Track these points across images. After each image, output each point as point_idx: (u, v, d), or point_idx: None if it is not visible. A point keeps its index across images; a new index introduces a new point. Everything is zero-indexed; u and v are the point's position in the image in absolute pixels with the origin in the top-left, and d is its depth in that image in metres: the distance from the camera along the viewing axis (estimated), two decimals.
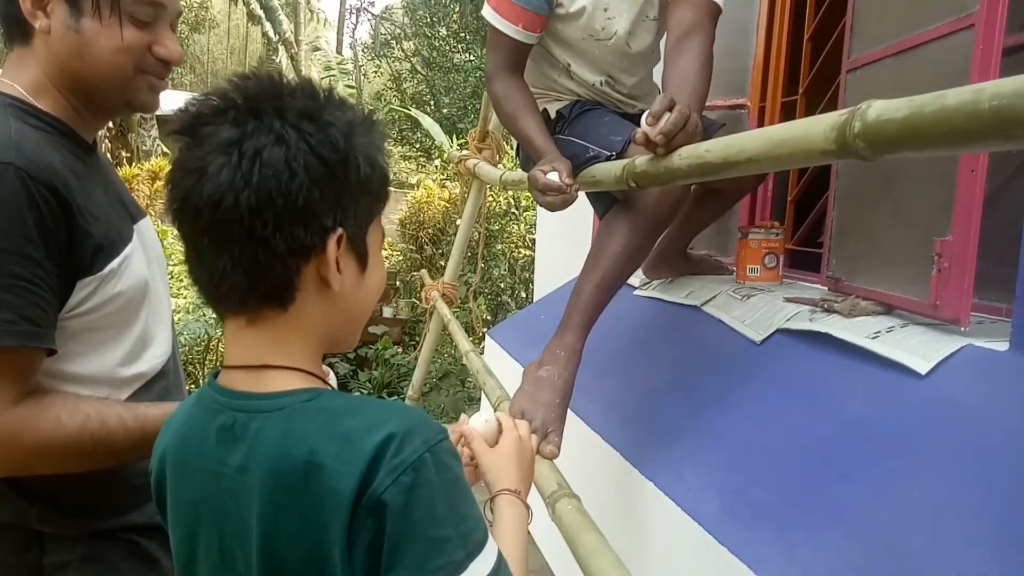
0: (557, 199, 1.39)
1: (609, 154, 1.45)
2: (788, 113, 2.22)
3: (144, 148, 7.80)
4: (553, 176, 1.39)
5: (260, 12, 9.65)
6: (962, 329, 1.28)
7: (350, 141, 0.66)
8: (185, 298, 6.03)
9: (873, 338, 1.32)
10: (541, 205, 1.45)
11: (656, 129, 1.15)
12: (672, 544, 1.40)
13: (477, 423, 0.94)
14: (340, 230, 0.66)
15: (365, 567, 0.60)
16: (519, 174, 2.27)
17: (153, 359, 1.00)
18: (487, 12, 1.59)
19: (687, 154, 1.08)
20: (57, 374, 0.88)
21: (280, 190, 0.61)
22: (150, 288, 0.98)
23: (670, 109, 1.16)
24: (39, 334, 0.82)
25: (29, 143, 0.84)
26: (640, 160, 1.22)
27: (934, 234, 1.32)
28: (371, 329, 5.97)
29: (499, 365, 2.50)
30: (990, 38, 1.23)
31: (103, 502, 0.95)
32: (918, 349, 1.24)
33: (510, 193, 6.77)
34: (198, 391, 0.75)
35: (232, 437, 0.66)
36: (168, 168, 0.68)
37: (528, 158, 1.67)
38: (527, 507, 0.88)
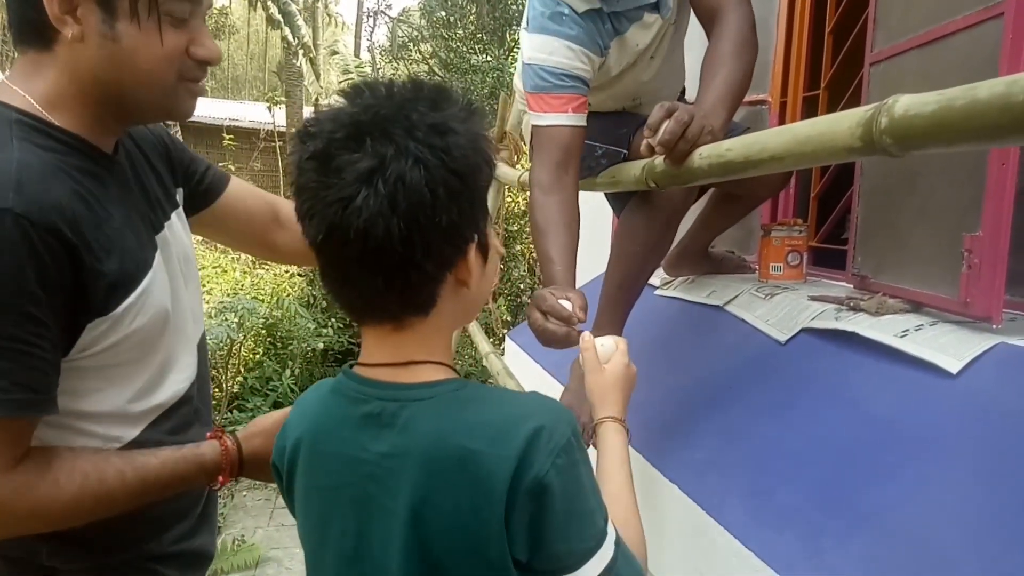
0: (561, 331, 1.14)
1: (619, 151, 1.44)
2: (810, 108, 2.19)
3: None
4: (565, 303, 1.15)
5: (279, 17, 9.72)
6: (994, 327, 1.24)
7: (476, 147, 0.68)
8: (208, 303, 6.09)
9: (902, 337, 1.29)
10: (535, 331, 1.19)
11: (655, 140, 1.13)
12: (698, 548, 1.38)
13: (599, 339, 0.95)
14: (476, 237, 0.71)
15: (524, 544, 0.65)
16: None
17: (175, 385, 0.95)
18: (534, 119, 1.49)
19: (708, 153, 1.07)
20: (67, 411, 0.83)
21: (426, 214, 0.64)
22: (171, 314, 0.93)
23: (668, 117, 1.12)
24: (36, 402, 0.77)
25: (31, 179, 0.76)
26: (659, 160, 1.21)
27: (963, 229, 1.29)
28: None
29: (519, 367, 2.49)
30: (1021, 27, 1.20)
31: (117, 536, 0.91)
32: (948, 348, 1.20)
33: (528, 193, 6.75)
34: (333, 382, 0.77)
35: (379, 424, 0.70)
36: (299, 197, 0.68)
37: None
38: (627, 431, 0.95)
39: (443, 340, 0.75)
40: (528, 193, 1.49)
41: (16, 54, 0.86)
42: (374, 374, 0.72)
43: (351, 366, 0.76)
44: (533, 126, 1.49)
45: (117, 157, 0.92)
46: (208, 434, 0.97)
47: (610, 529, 0.70)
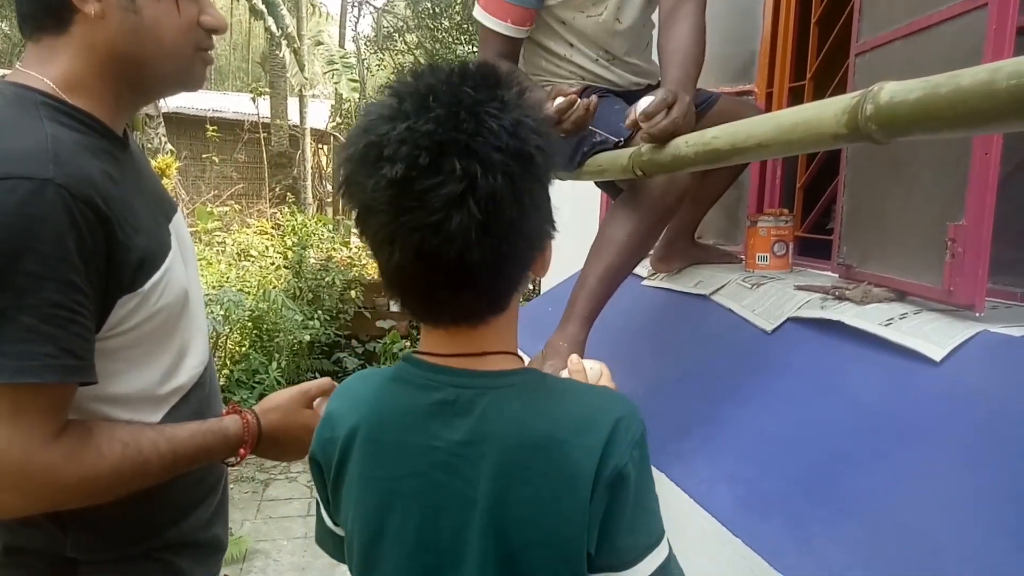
0: (579, 111, 1.36)
1: (617, 140, 1.44)
2: (796, 98, 2.19)
3: (151, 146, 7.81)
4: (558, 100, 1.36)
5: (262, 7, 9.61)
6: (977, 315, 1.26)
7: (546, 136, 0.65)
8: None
9: (886, 325, 1.30)
10: (567, 132, 1.40)
11: (649, 126, 1.20)
12: (686, 536, 1.38)
13: (587, 362, 0.95)
14: (553, 232, 0.70)
15: (601, 534, 0.65)
16: None
17: (191, 369, 0.96)
18: (477, 12, 1.62)
19: (694, 141, 1.07)
20: (91, 396, 0.84)
21: (515, 227, 0.63)
22: (189, 297, 0.94)
23: (668, 108, 1.21)
24: (80, 368, 0.78)
25: (66, 152, 0.78)
26: (646, 148, 1.21)
27: (947, 219, 1.30)
28: (379, 323, 5.97)
29: None
30: (1004, 17, 1.20)
31: (140, 524, 0.91)
32: (932, 336, 1.22)
33: None
34: (392, 370, 0.75)
35: (452, 412, 0.68)
36: (369, 219, 0.64)
37: None
38: None
39: (514, 330, 0.75)
40: None
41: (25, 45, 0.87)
42: (445, 362, 0.71)
43: (411, 353, 0.74)
44: (475, 14, 1.63)
45: (129, 144, 0.94)
46: (226, 410, 0.99)
47: (665, 528, 0.71)
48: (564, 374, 0.95)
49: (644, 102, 1.22)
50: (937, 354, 1.17)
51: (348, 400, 0.77)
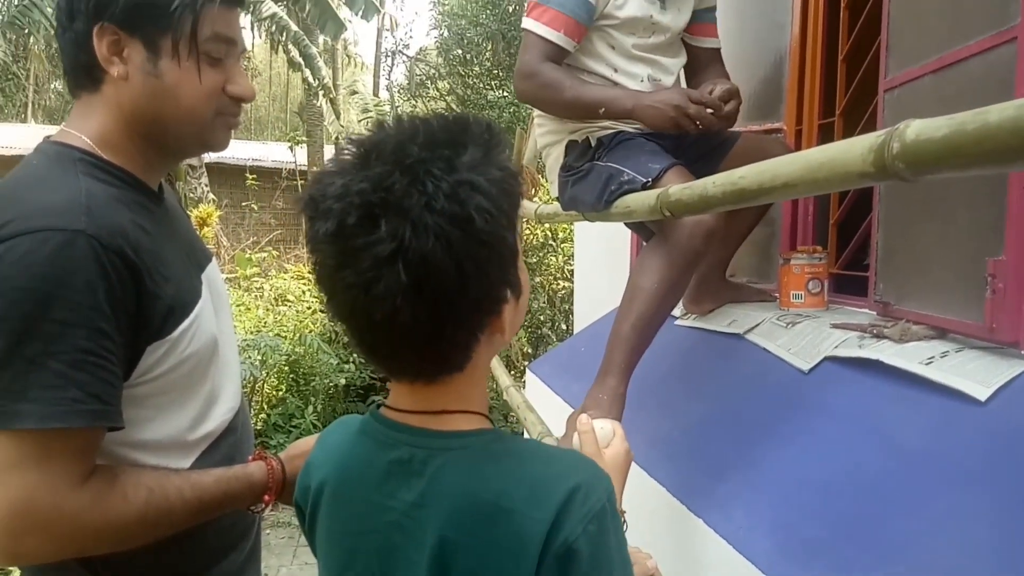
0: (718, 113, 1.53)
1: (644, 180, 1.44)
2: (826, 135, 2.18)
3: (194, 195, 8.06)
4: (721, 88, 1.53)
5: (300, 60, 9.94)
6: (1022, 352, 1.22)
7: (500, 200, 0.62)
8: None
9: (927, 364, 1.26)
10: (708, 127, 1.54)
11: (724, 107, 1.43)
12: None
13: (597, 422, 0.92)
14: (511, 295, 0.66)
15: None
16: (553, 207, 2.27)
17: (221, 415, 0.98)
18: (526, 23, 1.62)
19: (721, 181, 1.07)
20: (120, 442, 0.86)
21: (454, 291, 0.60)
22: (219, 344, 0.96)
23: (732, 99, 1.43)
24: (107, 412, 0.80)
25: (99, 205, 0.82)
26: (674, 189, 1.21)
27: (986, 254, 1.27)
28: None
29: (541, 400, 2.47)
30: None
31: (171, 569, 0.92)
32: (976, 374, 1.18)
33: (547, 226, 6.78)
34: (360, 422, 0.75)
35: (407, 472, 0.67)
36: (316, 273, 0.65)
37: (581, 193, 1.66)
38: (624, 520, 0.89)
39: (478, 389, 0.71)
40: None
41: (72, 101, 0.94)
42: (404, 419, 0.69)
43: (378, 407, 0.73)
44: (524, 24, 1.62)
45: (164, 197, 0.98)
46: (251, 456, 1.00)
47: None
48: (574, 436, 0.92)
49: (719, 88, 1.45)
50: (982, 394, 1.13)
51: (324, 450, 0.77)
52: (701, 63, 1.81)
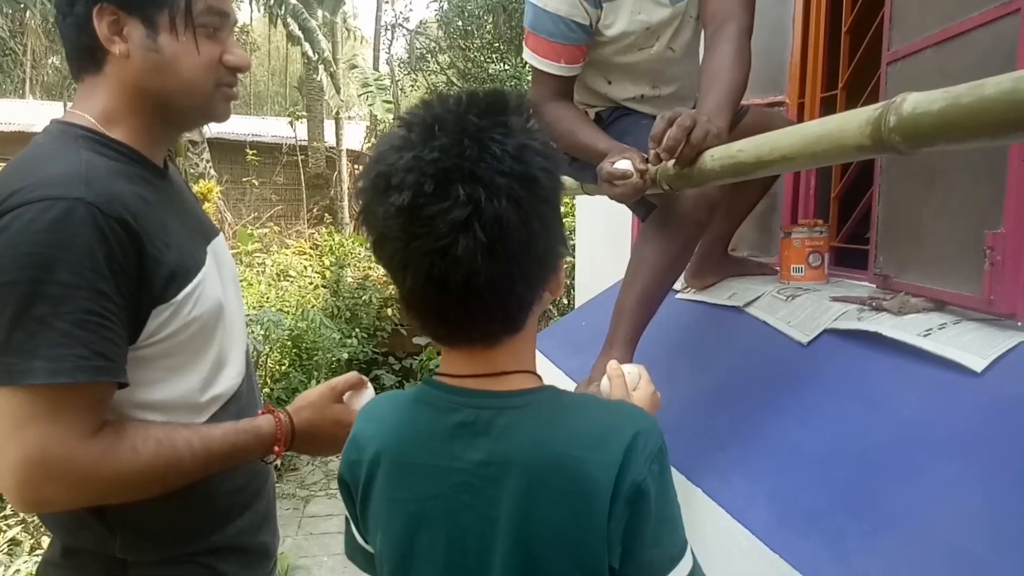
0: (629, 188, 1.31)
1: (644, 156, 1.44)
2: (828, 108, 2.17)
3: (195, 171, 8.05)
4: (623, 164, 1.32)
5: (299, 33, 9.85)
6: (1018, 324, 1.23)
7: (553, 158, 0.67)
8: None
9: (925, 336, 1.28)
10: (613, 198, 1.39)
11: (660, 148, 1.17)
12: (723, 551, 1.37)
13: (625, 366, 0.96)
14: (564, 251, 0.71)
15: (618, 551, 0.66)
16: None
17: (229, 380, 1.01)
18: (527, 55, 1.60)
19: (719, 155, 1.07)
20: (134, 403, 0.90)
21: (524, 249, 0.64)
22: (224, 310, 0.99)
23: (670, 126, 1.16)
24: (111, 368, 0.84)
25: (99, 176, 0.85)
26: (671, 163, 1.21)
27: (985, 227, 1.27)
28: (415, 340, 6.02)
29: (543, 373, 2.49)
30: None
31: (184, 528, 0.96)
32: (973, 346, 1.19)
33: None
34: (414, 392, 0.77)
35: (472, 433, 0.70)
36: (384, 247, 0.66)
37: (582, 168, 1.65)
38: None
39: (531, 348, 0.75)
40: None
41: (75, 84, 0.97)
42: (464, 383, 0.72)
43: (431, 375, 0.76)
44: (528, 60, 1.60)
45: (168, 173, 1.02)
46: (260, 410, 1.03)
47: (686, 536, 0.71)
48: (604, 379, 0.96)
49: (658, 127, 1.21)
50: (978, 365, 1.15)
51: (373, 423, 0.78)
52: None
